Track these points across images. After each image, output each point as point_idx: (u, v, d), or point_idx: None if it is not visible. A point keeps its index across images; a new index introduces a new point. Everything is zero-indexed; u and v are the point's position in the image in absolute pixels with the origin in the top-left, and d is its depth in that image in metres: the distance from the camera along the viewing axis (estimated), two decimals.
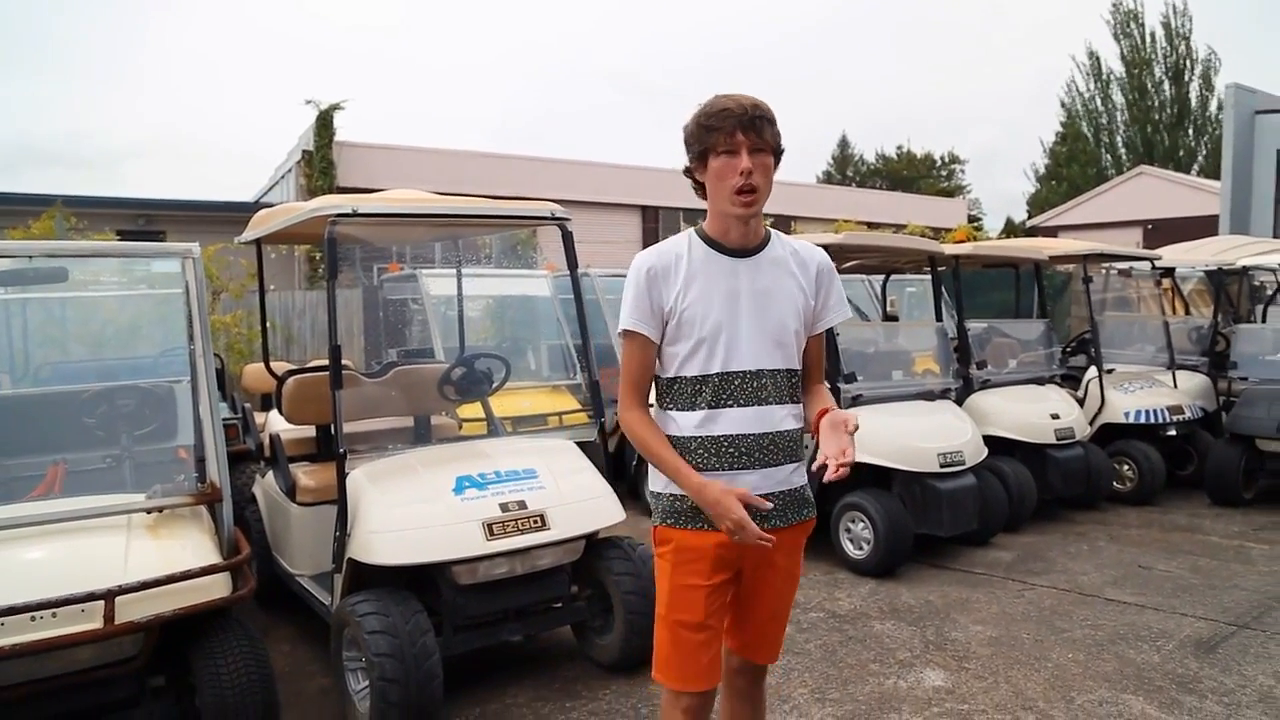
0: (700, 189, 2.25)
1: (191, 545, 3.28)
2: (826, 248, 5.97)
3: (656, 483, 2.31)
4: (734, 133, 2.09)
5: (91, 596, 2.87)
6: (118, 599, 2.90)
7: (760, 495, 2.18)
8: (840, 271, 7.88)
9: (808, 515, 2.35)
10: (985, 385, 6.94)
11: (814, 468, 2.09)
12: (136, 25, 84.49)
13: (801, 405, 2.32)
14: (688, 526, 2.24)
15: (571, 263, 4.46)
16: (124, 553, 3.12)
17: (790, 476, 2.27)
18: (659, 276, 2.21)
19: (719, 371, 2.19)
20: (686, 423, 2.22)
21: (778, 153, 2.17)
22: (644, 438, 2.24)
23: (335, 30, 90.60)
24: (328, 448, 5.00)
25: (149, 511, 3.36)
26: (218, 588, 3.19)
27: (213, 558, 3.25)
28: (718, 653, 2.31)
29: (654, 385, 2.33)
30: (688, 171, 2.24)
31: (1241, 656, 4.26)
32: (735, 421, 2.19)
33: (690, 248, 2.24)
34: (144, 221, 15.06)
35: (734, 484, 2.16)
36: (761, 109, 2.12)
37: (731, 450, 2.20)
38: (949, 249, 6.94)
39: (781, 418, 2.23)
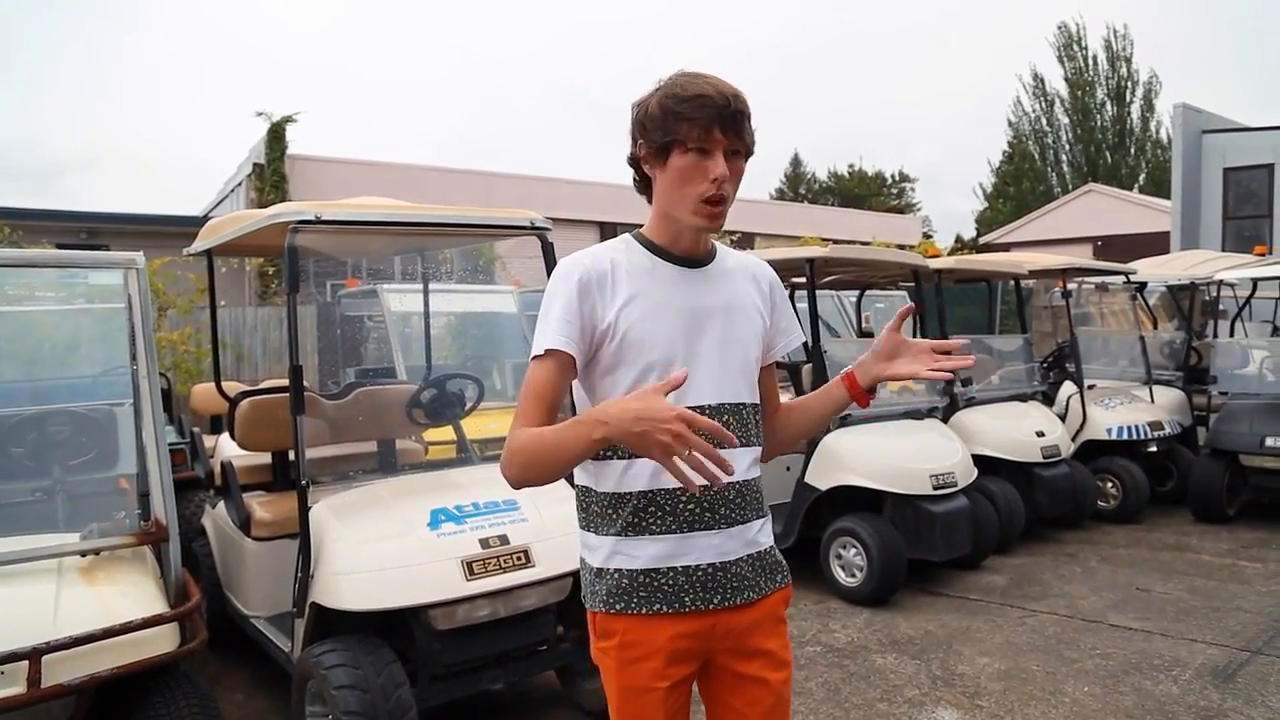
0: (645, 184, 1.79)
1: (133, 592, 2.90)
2: (811, 261, 5.83)
3: (595, 556, 1.79)
4: (710, 128, 1.64)
5: (13, 656, 2.48)
6: (45, 658, 2.52)
7: (730, 561, 1.75)
8: (819, 287, 7.74)
9: (783, 582, 1.88)
10: (970, 403, 6.75)
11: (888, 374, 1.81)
12: (76, 32, 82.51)
13: (761, 449, 1.86)
14: (638, 611, 1.73)
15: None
16: (53, 603, 2.73)
17: (758, 535, 1.82)
18: (593, 286, 1.72)
19: None
20: (634, 474, 1.73)
21: (749, 156, 1.75)
22: (533, 444, 1.60)
23: (285, 39, 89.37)
24: (284, 476, 4.61)
25: (84, 554, 2.98)
26: (163, 641, 2.82)
27: (157, 606, 2.87)
28: None
29: None
30: (634, 161, 1.78)
31: (1262, 685, 4.05)
32: None
33: (629, 254, 1.78)
34: (86, 235, 14.39)
35: (690, 551, 1.73)
36: (743, 101, 1.69)
37: (691, 506, 1.72)
38: (932, 263, 6.75)
39: (749, 463, 1.79)
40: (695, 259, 1.82)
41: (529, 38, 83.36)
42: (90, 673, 2.59)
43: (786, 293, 1.97)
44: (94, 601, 2.78)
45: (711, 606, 1.75)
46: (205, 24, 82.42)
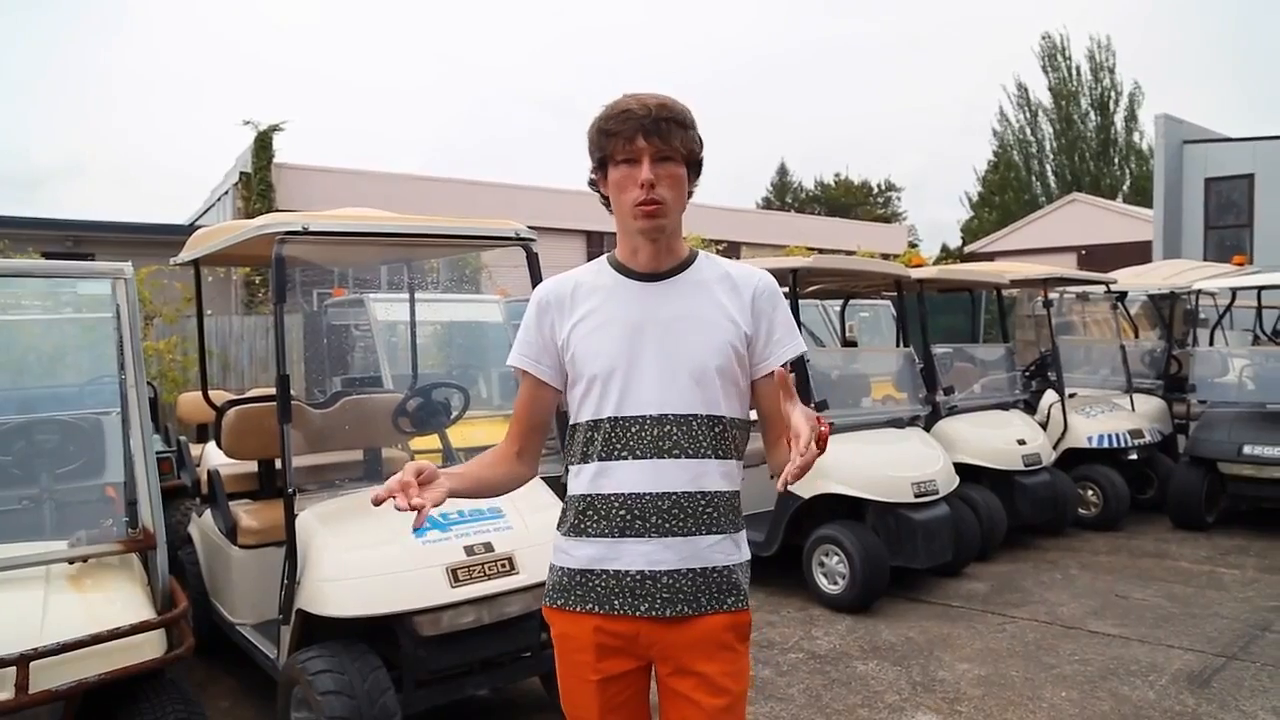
0: (607, 204, 1.89)
1: (120, 599, 2.93)
2: (794, 272, 5.90)
3: (553, 553, 1.93)
4: (634, 138, 1.75)
5: (2, 662, 2.51)
6: (33, 664, 2.55)
7: (660, 572, 1.78)
8: (803, 296, 7.80)
9: (733, 606, 1.83)
10: (952, 411, 6.82)
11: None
12: (58, 39, 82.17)
13: (734, 462, 1.87)
14: (564, 607, 1.86)
15: (537, 285, 4.19)
16: (41, 609, 2.76)
17: (707, 551, 1.81)
18: (551, 306, 1.89)
19: (610, 415, 1.81)
20: (581, 479, 1.86)
21: (692, 161, 1.82)
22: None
23: (272, 47, 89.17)
24: (271, 484, 4.64)
25: (71, 561, 3.00)
26: (150, 647, 2.85)
27: (145, 613, 2.89)
28: None
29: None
30: (593, 184, 1.90)
31: (1237, 690, 4.12)
32: (628, 477, 1.79)
33: (596, 274, 1.91)
34: (72, 243, 14.38)
35: (621, 556, 1.79)
36: (670, 109, 1.78)
37: (623, 513, 1.79)
38: (914, 273, 6.83)
39: (694, 476, 1.79)
40: (656, 272, 1.87)
41: (514, 48, 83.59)
42: (78, 678, 2.62)
43: (784, 303, 1.93)
44: (82, 608, 2.81)
45: (639, 614, 1.80)
46: (190, 31, 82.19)
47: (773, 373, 1.87)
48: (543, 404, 1.93)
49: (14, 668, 2.51)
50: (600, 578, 1.82)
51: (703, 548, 1.81)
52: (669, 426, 1.79)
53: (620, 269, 1.90)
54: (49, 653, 2.57)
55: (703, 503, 1.81)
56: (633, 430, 1.80)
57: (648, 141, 1.75)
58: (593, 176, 1.88)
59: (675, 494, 1.79)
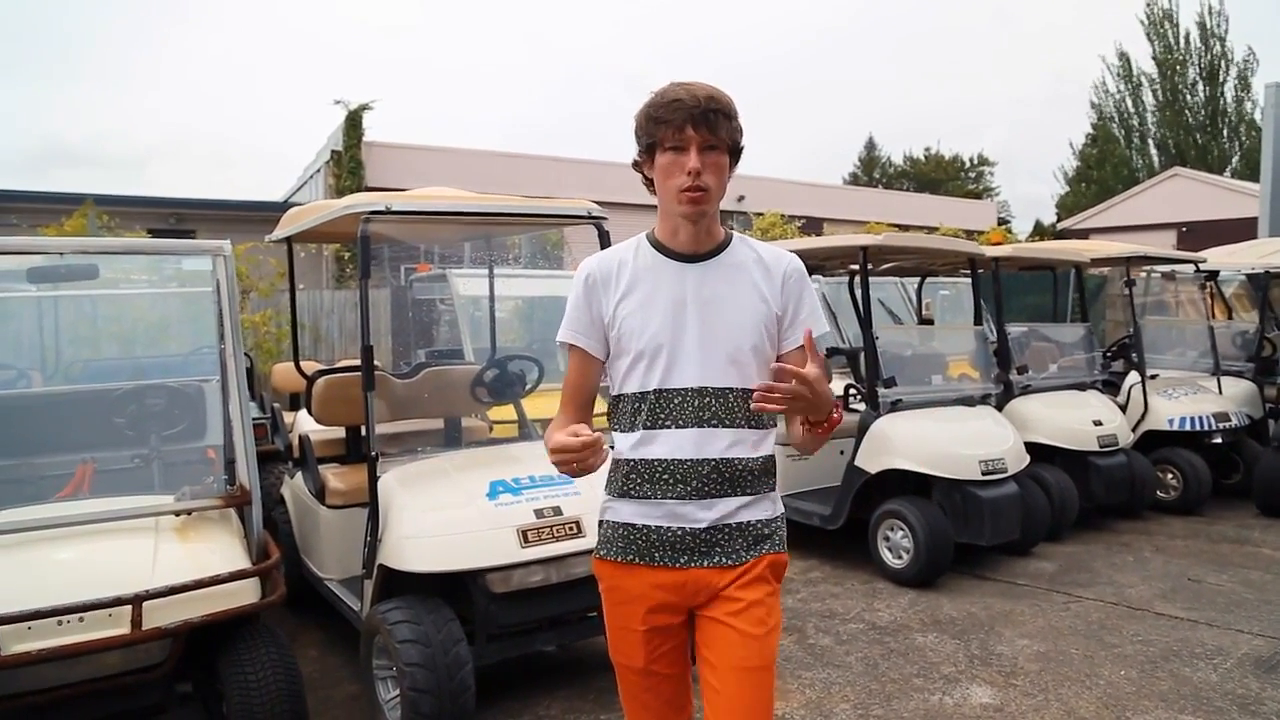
0: (650, 185, 2.00)
1: (220, 549, 3.21)
2: (864, 249, 5.92)
3: (602, 511, 2.09)
4: (683, 127, 1.86)
5: (119, 601, 2.81)
6: (145, 603, 2.84)
7: (699, 529, 1.94)
8: (875, 274, 7.79)
9: (769, 550, 2.00)
10: (1026, 390, 6.77)
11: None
12: (159, 25, 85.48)
13: (765, 431, 2.00)
14: (618, 560, 2.02)
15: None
16: (152, 556, 3.05)
17: (739, 511, 1.97)
18: (598, 284, 2.01)
19: (656, 388, 1.95)
20: (624, 444, 2.01)
21: (735, 151, 1.93)
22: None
23: (357, 31, 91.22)
24: (357, 449, 4.93)
25: (177, 514, 3.30)
26: (247, 593, 3.12)
27: (242, 562, 3.17)
28: (674, 697, 2.08)
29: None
30: (636, 165, 2.00)
31: None
32: (671, 444, 1.94)
33: (637, 252, 2.03)
34: (174, 220, 15.12)
35: (663, 514, 1.96)
36: (718, 101, 1.88)
37: (666, 476, 1.95)
38: (989, 251, 6.77)
39: (730, 444, 1.94)
40: (697, 253, 1.99)
41: (596, 26, 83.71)
42: (184, 618, 2.90)
43: (811, 285, 2.06)
44: (187, 556, 3.09)
45: (678, 565, 1.96)
46: (279, 15, 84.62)
47: (796, 348, 2.00)
48: (592, 378, 2.08)
49: (129, 606, 2.81)
50: (643, 532, 1.98)
51: (736, 507, 1.97)
52: (708, 399, 1.94)
53: (660, 248, 2.02)
54: (159, 594, 2.86)
55: (738, 468, 1.96)
56: (675, 402, 1.94)
57: (696, 131, 1.86)
58: (638, 159, 2.00)
59: (714, 460, 1.94)
